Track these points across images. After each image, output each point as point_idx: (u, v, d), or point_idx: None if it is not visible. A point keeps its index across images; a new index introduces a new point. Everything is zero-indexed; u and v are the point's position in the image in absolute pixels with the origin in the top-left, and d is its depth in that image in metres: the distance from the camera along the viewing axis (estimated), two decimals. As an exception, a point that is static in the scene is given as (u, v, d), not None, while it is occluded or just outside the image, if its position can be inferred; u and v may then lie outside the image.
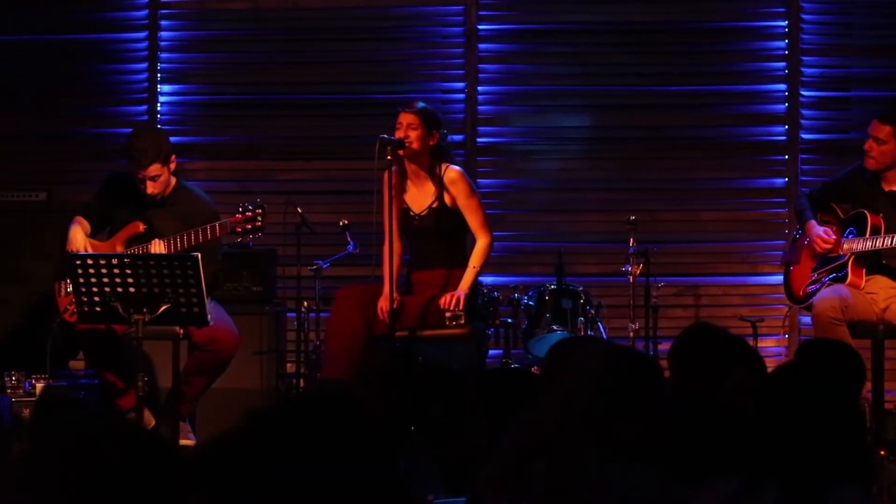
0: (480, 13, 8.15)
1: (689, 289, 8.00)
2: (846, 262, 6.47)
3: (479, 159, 8.12)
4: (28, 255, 7.51)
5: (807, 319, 6.91)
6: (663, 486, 2.82)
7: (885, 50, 8.03)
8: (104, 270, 5.70)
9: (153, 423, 6.23)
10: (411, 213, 6.41)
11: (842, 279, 6.46)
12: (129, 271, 5.69)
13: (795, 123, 8.01)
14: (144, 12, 8.24)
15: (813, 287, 6.60)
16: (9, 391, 6.72)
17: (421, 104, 6.35)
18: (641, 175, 8.08)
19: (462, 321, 6.20)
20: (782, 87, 8.04)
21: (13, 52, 8.22)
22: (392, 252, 6.22)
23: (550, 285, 7.01)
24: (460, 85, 8.17)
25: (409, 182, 6.42)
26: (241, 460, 2.19)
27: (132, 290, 5.70)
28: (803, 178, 7.93)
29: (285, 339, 7.52)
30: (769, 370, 3.70)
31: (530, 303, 6.99)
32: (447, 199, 6.35)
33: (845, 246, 6.50)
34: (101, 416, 2.16)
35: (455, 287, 6.26)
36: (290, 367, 7.57)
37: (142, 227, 6.32)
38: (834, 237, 6.54)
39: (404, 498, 2.29)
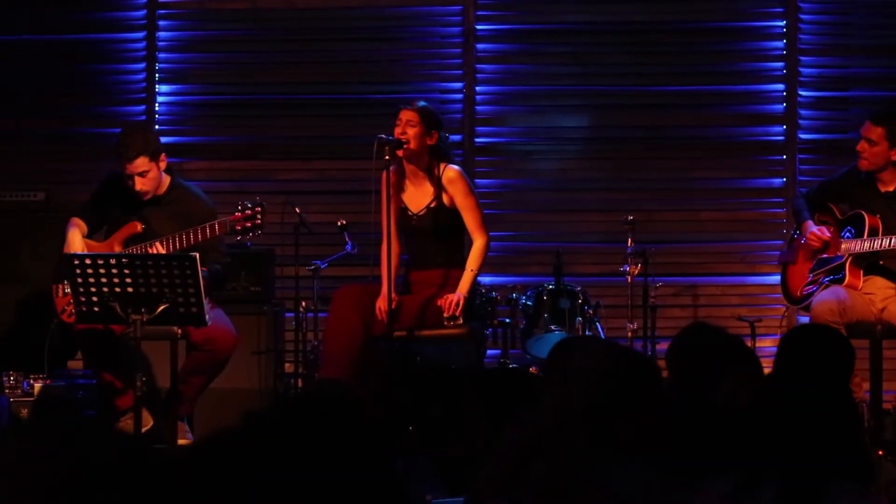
0: (479, 13, 8.15)
1: (687, 289, 8.01)
2: (844, 263, 6.48)
3: (477, 159, 8.12)
4: (26, 255, 7.50)
5: (804, 320, 6.91)
6: (662, 486, 2.82)
7: (883, 50, 8.03)
8: (102, 270, 5.69)
9: (151, 423, 6.22)
10: (409, 213, 6.41)
11: (839, 280, 6.47)
12: (127, 271, 5.68)
13: (793, 123, 8.02)
14: (143, 12, 8.24)
15: (810, 288, 6.60)
16: (7, 391, 6.73)
17: (422, 103, 6.35)
18: (640, 175, 8.09)
19: (460, 322, 6.21)
20: (780, 87, 8.04)
21: (11, 52, 8.22)
22: (390, 252, 6.22)
23: (549, 285, 7.02)
24: (458, 85, 8.17)
25: (407, 181, 6.42)
26: (239, 460, 2.19)
27: (130, 290, 5.70)
28: (801, 179, 7.93)
29: (283, 339, 7.52)
30: (767, 370, 3.71)
31: (528, 303, 6.99)
32: (445, 198, 6.35)
33: (843, 247, 6.50)
34: (85, 420, 2.15)
35: (453, 287, 6.26)
36: (289, 367, 7.57)
37: (139, 226, 6.31)
38: (829, 235, 6.55)
39: (402, 498, 2.29)
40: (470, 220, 6.35)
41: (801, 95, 8.02)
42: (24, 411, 6.64)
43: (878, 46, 8.05)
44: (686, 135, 8.12)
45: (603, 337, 7.01)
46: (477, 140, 8.14)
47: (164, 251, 6.10)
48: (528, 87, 8.17)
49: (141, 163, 6.23)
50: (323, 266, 7.05)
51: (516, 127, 8.22)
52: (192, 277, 5.67)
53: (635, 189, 8.06)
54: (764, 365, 3.89)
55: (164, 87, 8.26)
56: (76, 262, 5.75)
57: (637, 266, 6.96)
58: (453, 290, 6.25)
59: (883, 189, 6.51)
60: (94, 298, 5.73)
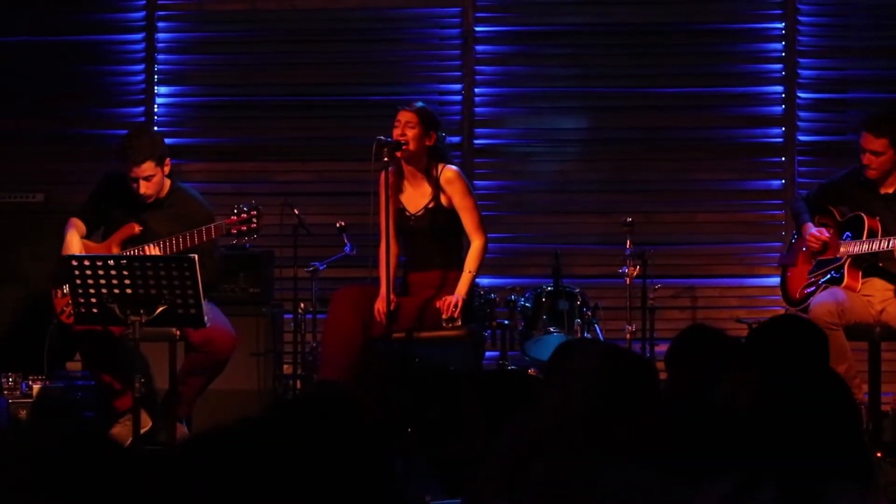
0: (477, 15, 8.16)
1: (685, 290, 8.01)
2: (842, 265, 6.48)
3: (475, 161, 8.13)
4: (25, 256, 7.50)
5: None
6: (662, 486, 2.82)
7: (881, 52, 8.04)
8: (101, 272, 5.69)
9: (150, 424, 6.23)
10: (407, 214, 6.41)
11: (838, 280, 6.47)
12: (125, 273, 5.68)
13: (792, 125, 8.02)
14: (142, 14, 8.24)
15: (809, 290, 6.61)
16: (6, 392, 6.73)
17: (420, 104, 6.36)
18: (638, 177, 8.09)
19: (459, 323, 6.21)
20: (779, 89, 8.05)
21: (11, 54, 8.22)
22: (389, 253, 6.22)
23: (547, 287, 7.02)
24: (457, 87, 8.18)
25: (405, 182, 6.43)
26: (235, 461, 2.19)
27: (129, 291, 5.70)
28: (800, 181, 7.93)
29: (282, 341, 7.52)
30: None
31: (527, 304, 6.99)
32: (443, 199, 6.36)
33: (842, 249, 6.51)
34: (70, 425, 2.15)
35: (451, 288, 6.27)
36: (287, 369, 7.57)
37: (137, 228, 6.32)
38: (828, 235, 6.56)
39: (399, 500, 2.29)
40: (468, 220, 6.35)
41: (799, 97, 8.03)
42: (23, 412, 6.65)
43: (876, 48, 8.05)
44: (685, 136, 8.12)
45: (602, 338, 7.01)
46: (476, 142, 8.14)
47: (158, 253, 6.10)
48: (527, 89, 8.17)
49: (148, 167, 6.24)
50: (322, 267, 7.05)
51: (515, 128, 8.22)
52: (190, 279, 5.67)
53: (634, 191, 8.06)
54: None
55: (163, 89, 8.26)
56: (75, 263, 5.75)
57: (636, 268, 6.96)
58: (451, 292, 6.26)
59: (882, 191, 6.52)
60: (93, 300, 5.73)
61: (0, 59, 8.21)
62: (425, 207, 6.38)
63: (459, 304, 6.19)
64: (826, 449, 2.72)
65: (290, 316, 7.35)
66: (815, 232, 6.57)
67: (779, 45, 8.06)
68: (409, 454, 5.95)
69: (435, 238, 6.40)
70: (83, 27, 8.24)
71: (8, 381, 6.76)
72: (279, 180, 8.14)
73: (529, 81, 8.17)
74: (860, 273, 6.47)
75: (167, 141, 6.61)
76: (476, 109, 8.16)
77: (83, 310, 5.79)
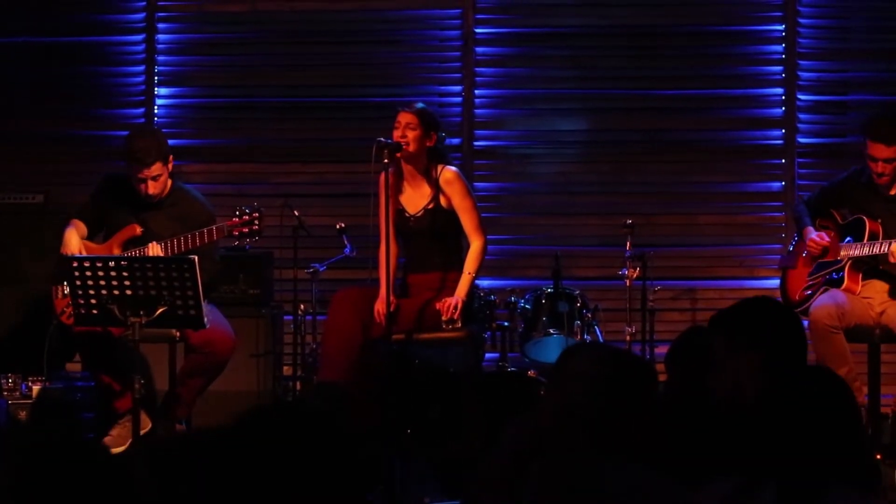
0: (477, 17, 8.16)
1: (685, 292, 8.01)
2: (843, 267, 6.48)
3: (475, 163, 8.13)
4: (25, 256, 7.50)
5: (804, 324, 6.90)
6: (662, 487, 2.82)
7: (881, 54, 8.04)
8: (101, 273, 5.69)
9: (150, 425, 6.23)
10: (406, 215, 6.41)
11: (837, 282, 6.47)
12: (126, 274, 5.69)
13: (792, 127, 8.02)
14: (142, 15, 8.24)
15: (809, 292, 6.60)
16: (6, 393, 6.73)
17: (420, 105, 6.36)
18: (638, 178, 8.09)
19: (458, 325, 6.21)
20: (779, 90, 8.05)
21: (11, 55, 8.22)
22: (389, 255, 6.22)
23: (547, 289, 7.01)
24: (457, 88, 8.17)
25: (405, 183, 6.43)
26: (229, 463, 2.18)
27: (129, 292, 5.70)
28: (800, 182, 7.93)
29: (282, 342, 7.52)
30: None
31: (527, 306, 6.99)
32: (443, 200, 6.36)
33: (842, 252, 6.50)
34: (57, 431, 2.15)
35: (451, 290, 6.27)
36: (287, 370, 7.57)
37: (138, 229, 6.32)
38: (828, 240, 6.55)
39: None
40: (467, 221, 6.35)
41: (799, 99, 8.02)
42: (23, 413, 6.64)
43: (876, 50, 8.05)
44: (685, 138, 8.12)
45: (602, 340, 7.01)
46: (476, 143, 8.14)
47: (161, 253, 6.10)
48: (527, 91, 8.17)
49: (157, 168, 6.26)
50: (321, 269, 7.05)
51: (515, 130, 8.22)
52: (190, 280, 5.67)
53: (634, 192, 8.06)
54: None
55: (163, 90, 8.26)
56: (75, 264, 5.75)
57: (636, 269, 6.95)
58: (451, 293, 6.26)
59: (893, 192, 6.51)
60: (93, 301, 5.73)
61: (0, 59, 8.21)
62: (425, 208, 6.39)
63: (459, 305, 6.19)
64: (827, 450, 2.72)
65: (290, 317, 7.35)
66: (816, 237, 6.56)
67: (779, 48, 8.06)
68: (409, 455, 5.95)
69: (434, 239, 6.40)
70: (83, 28, 8.24)
71: (8, 382, 6.75)
72: (279, 181, 8.14)
73: (529, 83, 8.17)
74: (860, 275, 6.46)
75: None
76: (476, 111, 8.16)
77: (83, 311, 5.79)
